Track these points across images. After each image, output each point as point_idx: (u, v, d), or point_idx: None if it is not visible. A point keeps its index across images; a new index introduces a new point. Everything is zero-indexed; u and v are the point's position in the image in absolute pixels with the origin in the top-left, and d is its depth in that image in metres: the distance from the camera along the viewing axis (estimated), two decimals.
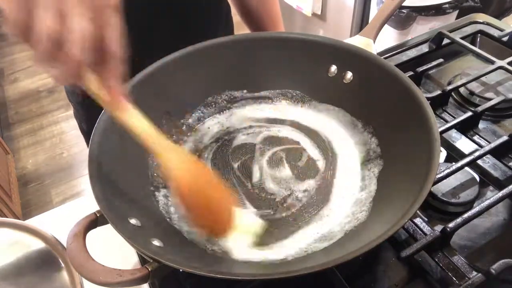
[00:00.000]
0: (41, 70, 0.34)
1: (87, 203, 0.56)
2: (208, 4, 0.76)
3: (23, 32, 0.32)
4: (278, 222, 0.49)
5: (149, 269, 0.37)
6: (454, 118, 0.63)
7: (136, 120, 0.40)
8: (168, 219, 0.48)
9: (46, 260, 0.49)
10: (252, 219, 0.47)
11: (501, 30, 0.80)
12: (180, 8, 0.71)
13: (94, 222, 0.40)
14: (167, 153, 0.41)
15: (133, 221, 0.42)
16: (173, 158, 0.41)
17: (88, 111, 0.80)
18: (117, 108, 0.39)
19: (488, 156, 0.57)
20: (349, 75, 0.58)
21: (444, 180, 0.53)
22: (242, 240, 0.45)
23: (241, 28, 0.85)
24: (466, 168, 0.55)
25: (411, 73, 0.69)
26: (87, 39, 0.32)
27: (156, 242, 0.40)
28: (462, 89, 0.70)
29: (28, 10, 0.31)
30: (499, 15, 1.44)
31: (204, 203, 0.43)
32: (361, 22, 1.74)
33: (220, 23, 0.80)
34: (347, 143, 0.57)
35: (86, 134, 0.84)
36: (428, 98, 0.56)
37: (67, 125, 2.14)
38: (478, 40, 0.82)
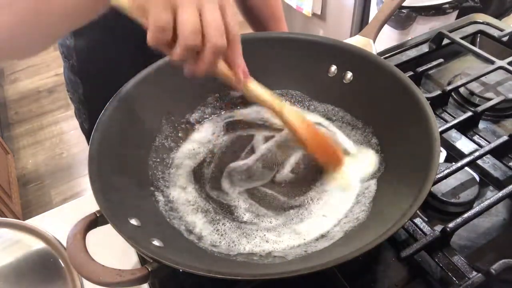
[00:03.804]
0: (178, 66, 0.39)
1: (87, 203, 0.56)
2: None
3: (165, 35, 0.35)
4: (278, 222, 0.49)
5: (149, 269, 0.37)
6: (454, 118, 0.63)
7: (260, 90, 0.47)
8: (168, 219, 0.48)
9: (46, 260, 0.49)
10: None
11: (501, 30, 0.80)
12: None
13: (94, 222, 0.40)
14: (289, 114, 0.49)
15: (133, 221, 0.42)
16: (294, 117, 0.50)
17: (90, 110, 0.80)
18: (245, 83, 0.45)
19: (488, 156, 0.57)
20: (349, 75, 0.58)
21: (444, 180, 0.53)
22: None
23: (240, 30, 0.84)
24: (466, 168, 0.55)
25: (411, 73, 0.69)
26: (221, 27, 0.37)
27: (156, 242, 0.40)
28: (462, 89, 0.70)
29: (172, 9, 0.35)
30: (499, 15, 1.44)
31: (324, 144, 0.52)
32: (361, 22, 1.74)
33: None
34: (347, 143, 0.57)
35: (88, 133, 0.84)
36: (428, 98, 0.55)
37: (67, 125, 2.14)
38: (478, 40, 0.82)
